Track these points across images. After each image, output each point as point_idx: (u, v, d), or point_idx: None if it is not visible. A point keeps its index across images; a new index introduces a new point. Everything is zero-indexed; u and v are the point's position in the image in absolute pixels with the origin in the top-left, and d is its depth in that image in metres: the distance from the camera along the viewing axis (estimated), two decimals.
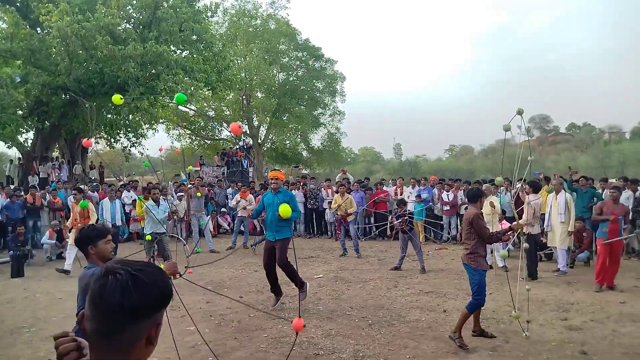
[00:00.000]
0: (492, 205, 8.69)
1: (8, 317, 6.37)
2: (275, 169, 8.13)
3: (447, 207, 12.37)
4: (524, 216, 8.20)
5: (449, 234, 12.55)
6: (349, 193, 13.25)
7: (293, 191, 13.80)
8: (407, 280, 8.32)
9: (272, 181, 6.63)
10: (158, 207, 8.25)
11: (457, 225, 12.44)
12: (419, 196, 12.46)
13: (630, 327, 5.67)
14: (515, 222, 5.84)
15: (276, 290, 6.82)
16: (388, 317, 6.21)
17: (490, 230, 5.43)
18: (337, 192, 11.95)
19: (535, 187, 8.60)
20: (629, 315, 6.14)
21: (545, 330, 5.71)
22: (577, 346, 5.08)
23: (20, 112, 16.78)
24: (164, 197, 10.95)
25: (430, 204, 12.68)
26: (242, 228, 12.18)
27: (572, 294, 7.34)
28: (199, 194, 11.03)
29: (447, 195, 12.36)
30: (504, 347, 5.18)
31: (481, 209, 5.52)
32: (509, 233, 5.79)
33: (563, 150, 49.43)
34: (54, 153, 20.69)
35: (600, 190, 10.57)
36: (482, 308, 6.48)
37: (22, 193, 12.35)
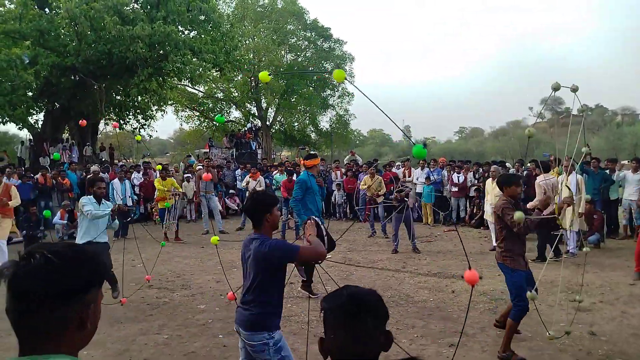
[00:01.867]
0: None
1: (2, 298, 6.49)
2: (312, 153, 8.07)
3: (455, 189, 12.30)
4: (536, 197, 8.12)
5: (458, 215, 12.50)
6: (357, 175, 13.27)
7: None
8: (416, 261, 8.34)
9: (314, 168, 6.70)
10: (99, 205, 5.75)
11: (465, 207, 12.40)
12: (428, 178, 12.41)
13: None
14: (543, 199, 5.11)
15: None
16: (396, 297, 6.24)
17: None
18: (347, 173, 11.96)
19: (545, 168, 8.51)
20: (638, 296, 6.13)
21: (554, 311, 5.70)
22: (586, 327, 5.09)
23: (30, 94, 16.86)
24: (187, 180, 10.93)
25: (440, 186, 12.62)
26: None
27: (581, 276, 7.30)
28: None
29: (458, 177, 12.28)
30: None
31: (516, 197, 4.53)
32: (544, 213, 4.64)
33: (574, 132, 48.78)
34: (64, 134, 20.82)
35: (608, 172, 10.44)
36: (491, 289, 6.53)
37: (33, 174, 12.47)
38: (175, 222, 10.36)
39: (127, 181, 11.04)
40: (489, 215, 9.18)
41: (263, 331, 2.78)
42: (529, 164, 11.55)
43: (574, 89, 4.20)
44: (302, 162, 7.20)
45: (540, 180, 8.17)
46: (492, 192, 8.92)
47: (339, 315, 1.30)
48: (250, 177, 12.21)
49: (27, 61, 15.24)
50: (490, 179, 9.10)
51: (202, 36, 18.55)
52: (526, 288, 4.27)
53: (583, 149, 4.57)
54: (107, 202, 5.99)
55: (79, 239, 5.67)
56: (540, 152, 31.28)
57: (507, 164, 12.43)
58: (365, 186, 11.23)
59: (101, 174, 12.52)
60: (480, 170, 12.18)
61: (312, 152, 22.91)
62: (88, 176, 9.67)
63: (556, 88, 4.04)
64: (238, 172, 14.88)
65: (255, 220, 2.91)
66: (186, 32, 19.18)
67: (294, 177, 10.93)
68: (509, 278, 4.42)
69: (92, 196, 5.74)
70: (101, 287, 1.15)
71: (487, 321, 5.36)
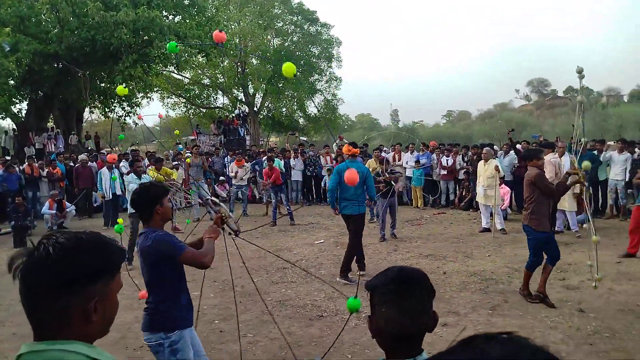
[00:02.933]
0: (496, 169, 8.72)
1: (13, 287, 6.42)
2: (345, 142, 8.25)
3: (444, 172, 12.38)
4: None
5: (447, 198, 12.62)
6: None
7: (292, 159, 13.82)
8: (407, 244, 8.43)
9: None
10: (140, 181, 7.39)
11: (455, 190, 12.51)
12: (417, 161, 12.48)
13: (626, 286, 5.81)
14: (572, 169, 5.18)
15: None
16: None
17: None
18: (337, 158, 11.96)
19: (550, 146, 8.69)
20: (624, 274, 6.28)
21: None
22: (575, 304, 5.21)
23: (12, 82, 16.49)
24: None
25: (429, 169, 12.69)
26: (239, 196, 12.22)
27: (569, 254, 7.45)
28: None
29: (447, 160, 12.36)
30: (503, 306, 5.31)
31: (542, 168, 5.34)
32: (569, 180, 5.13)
33: (561, 113, 49.24)
34: (48, 123, 20.45)
35: (596, 152, 10.58)
36: (482, 270, 6.64)
37: (18, 164, 12.30)
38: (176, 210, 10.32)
39: (115, 170, 10.92)
40: (480, 197, 9.27)
41: (159, 331, 2.70)
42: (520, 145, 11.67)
43: (579, 71, 4.47)
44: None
45: (551, 157, 8.24)
46: (484, 174, 9.01)
47: (388, 291, 1.32)
48: (235, 164, 12.16)
49: (8, 49, 14.87)
50: (483, 161, 9.17)
51: (187, 21, 18.24)
52: (543, 248, 5.20)
53: (582, 140, 4.87)
54: (146, 175, 7.69)
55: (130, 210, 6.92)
56: (527, 134, 31.57)
57: (494, 146, 12.52)
58: (370, 169, 11.28)
59: (89, 163, 12.41)
60: (469, 153, 12.27)
61: (291, 133, 22.70)
62: (131, 158, 10.19)
63: (580, 72, 4.36)
64: (227, 159, 14.80)
65: (145, 214, 2.78)
66: (170, 17, 18.85)
67: (275, 164, 10.93)
68: (531, 237, 5.23)
69: (133, 174, 7.57)
70: (114, 278, 1.13)
71: (479, 301, 5.46)
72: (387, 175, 8.52)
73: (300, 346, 4.37)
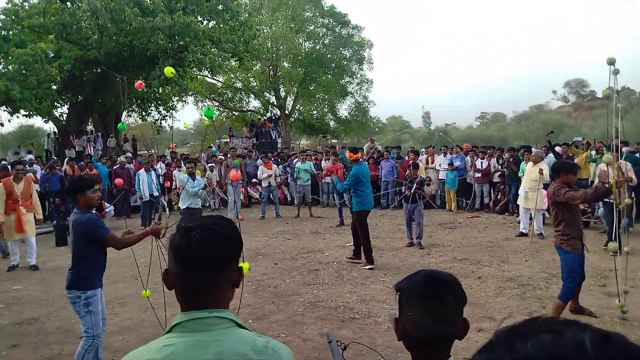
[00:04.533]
0: (540, 172, 8.45)
1: (57, 283, 6.68)
2: (347, 148, 8.69)
3: (478, 175, 12.15)
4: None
5: (481, 202, 12.37)
6: (378, 162, 13.23)
7: (323, 161, 13.86)
8: (440, 248, 8.31)
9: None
10: (193, 181, 8.17)
11: (489, 193, 12.26)
12: (451, 164, 12.29)
13: None
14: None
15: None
16: None
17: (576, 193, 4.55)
18: (368, 160, 11.92)
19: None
20: None
21: (583, 296, 5.63)
22: (617, 312, 5.02)
23: (54, 87, 17.18)
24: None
25: (463, 172, 12.49)
26: (271, 197, 12.33)
27: (610, 260, 7.18)
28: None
29: (481, 162, 12.13)
30: (540, 312, 5.16)
31: (570, 184, 4.64)
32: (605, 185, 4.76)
33: (600, 115, 47.57)
34: (88, 126, 21.20)
35: (638, 155, 10.18)
36: (519, 275, 6.48)
37: (60, 166, 12.77)
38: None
39: (152, 171, 11.21)
40: (521, 200, 9.02)
41: (77, 290, 3.54)
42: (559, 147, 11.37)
43: (611, 62, 4.12)
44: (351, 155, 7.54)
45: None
46: (529, 175, 8.72)
47: (417, 293, 1.30)
48: (264, 166, 12.35)
49: (52, 55, 15.49)
50: (531, 163, 8.89)
51: (221, 26, 18.59)
52: (578, 271, 4.64)
53: (624, 149, 4.55)
54: (199, 178, 8.28)
55: (182, 204, 8.11)
56: (565, 136, 30.61)
57: (533, 149, 12.22)
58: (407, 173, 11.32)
59: (127, 165, 12.79)
60: (504, 155, 12.01)
61: (322, 135, 22.85)
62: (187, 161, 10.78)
63: (612, 62, 4.00)
64: (259, 162, 14.97)
65: (72, 200, 3.72)
66: (205, 22, 19.24)
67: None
68: (563, 259, 4.68)
69: (187, 174, 8.17)
70: None
71: (515, 306, 5.34)
72: (408, 190, 8.19)
73: None
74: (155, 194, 11.01)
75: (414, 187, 8.11)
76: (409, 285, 1.35)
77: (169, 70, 3.33)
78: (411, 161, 10.98)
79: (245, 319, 5.14)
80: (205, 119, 26.20)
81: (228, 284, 1.22)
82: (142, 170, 11.02)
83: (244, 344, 1.15)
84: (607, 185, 4.67)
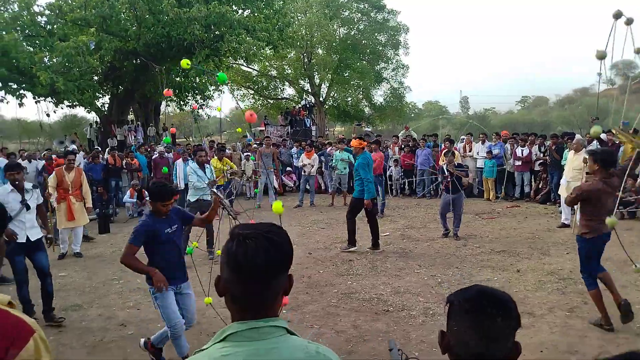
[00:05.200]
0: (585, 161, 8.07)
1: (99, 270, 6.95)
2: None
3: (518, 163, 11.77)
4: None
5: (522, 190, 11.99)
6: (414, 150, 13.02)
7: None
8: (478, 239, 8.13)
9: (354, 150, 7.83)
10: (204, 172, 7.32)
11: (530, 181, 11.88)
12: (490, 152, 11.94)
13: None
14: None
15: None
16: (458, 275, 6.14)
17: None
18: (403, 148, 11.76)
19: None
20: None
21: (628, 291, 5.40)
22: None
23: (96, 78, 17.71)
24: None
25: (503, 160, 12.12)
26: (307, 187, 12.38)
27: None
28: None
29: (522, 150, 11.74)
30: (582, 308, 4.98)
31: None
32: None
33: None
34: (129, 116, 21.80)
35: None
36: (559, 269, 6.26)
37: (102, 155, 13.19)
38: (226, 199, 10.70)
39: (189, 161, 11.39)
40: (562, 190, 8.69)
41: (149, 285, 3.78)
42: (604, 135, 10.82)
43: (601, 56, 3.63)
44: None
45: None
46: (571, 164, 8.38)
47: (465, 309, 1.25)
48: (305, 156, 12.38)
49: (93, 47, 15.94)
50: (572, 151, 8.53)
51: (256, 14, 18.59)
52: (582, 259, 4.63)
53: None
54: (209, 166, 7.53)
55: (191, 197, 7.36)
56: (611, 121, 29.20)
57: (577, 135, 11.72)
58: (443, 163, 11.07)
59: (165, 154, 13.08)
60: (546, 143, 11.58)
61: (357, 123, 22.72)
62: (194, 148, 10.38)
63: (601, 57, 3.51)
64: (294, 150, 15.02)
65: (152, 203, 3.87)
66: (240, 11, 19.30)
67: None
68: (580, 247, 4.69)
69: (196, 163, 7.34)
70: None
71: (556, 301, 5.17)
72: (454, 170, 7.94)
73: (365, 341, 4.36)
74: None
75: (447, 175, 7.86)
76: (458, 298, 1.29)
77: (184, 62, 3.35)
78: (446, 149, 10.74)
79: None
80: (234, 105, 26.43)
81: (280, 291, 1.24)
82: (179, 160, 11.23)
83: (299, 350, 1.19)
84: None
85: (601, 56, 3.51)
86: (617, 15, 3.43)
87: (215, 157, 10.89)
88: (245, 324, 1.18)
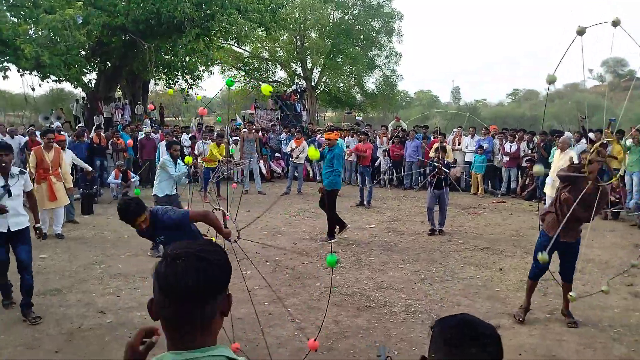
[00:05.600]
0: (571, 161, 8.09)
1: (81, 253, 6.86)
2: (331, 127, 9.35)
3: (506, 159, 11.82)
4: None
5: (508, 186, 12.07)
6: (403, 142, 12.99)
7: (346, 138, 13.71)
8: (462, 234, 8.17)
9: (326, 141, 7.90)
10: (175, 165, 7.02)
11: (517, 177, 11.95)
12: (481, 147, 11.92)
13: None
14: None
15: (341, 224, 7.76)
16: (441, 272, 6.16)
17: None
18: (393, 139, 11.74)
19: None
20: None
21: (608, 295, 5.46)
22: None
23: (83, 53, 17.27)
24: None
25: (490, 155, 12.16)
26: (295, 174, 12.32)
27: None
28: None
29: (510, 146, 11.77)
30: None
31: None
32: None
33: (637, 97, 45.48)
34: (116, 93, 21.39)
35: None
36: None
37: (88, 133, 12.93)
38: (215, 182, 10.67)
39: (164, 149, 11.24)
40: (548, 188, 8.72)
41: None
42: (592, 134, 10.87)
43: (616, 22, 3.49)
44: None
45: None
46: (557, 163, 8.40)
47: (444, 338, 1.21)
48: (294, 143, 12.30)
49: (80, 21, 15.51)
50: (559, 150, 8.55)
51: None
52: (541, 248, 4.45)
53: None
54: (181, 162, 7.01)
55: (158, 192, 6.93)
56: (600, 119, 29.46)
57: (566, 132, 11.79)
58: (433, 154, 11.12)
59: (152, 134, 12.88)
60: (535, 139, 11.64)
61: (348, 112, 22.64)
62: (167, 140, 9.80)
63: (581, 32, 3.36)
64: (283, 136, 14.90)
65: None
66: None
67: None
68: (538, 238, 4.78)
69: (170, 157, 6.98)
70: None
71: (536, 303, 5.20)
72: (441, 168, 7.78)
73: (346, 337, 4.35)
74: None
75: (436, 171, 7.79)
76: (441, 325, 1.25)
77: (266, 89, 3.12)
78: (438, 143, 10.70)
79: (261, 302, 5.17)
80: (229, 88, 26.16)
81: (217, 313, 1.18)
82: (163, 142, 11.08)
83: None
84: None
85: (551, 80, 3.40)
86: (581, 32, 3.34)
87: (214, 143, 10.85)
88: (180, 355, 1.11)
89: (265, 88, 3.24)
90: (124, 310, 4.88)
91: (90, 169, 9.76)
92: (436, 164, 7.82)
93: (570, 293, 4.35)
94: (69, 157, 8.36)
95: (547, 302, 5.22)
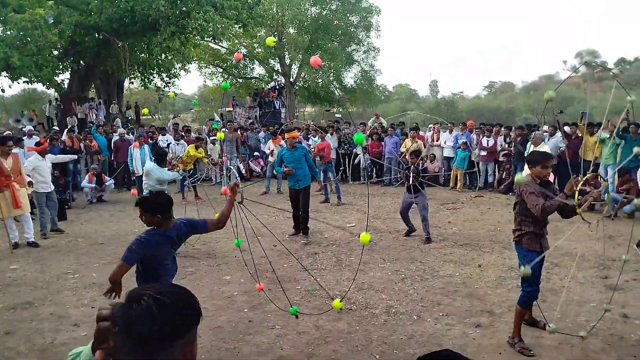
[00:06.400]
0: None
1: (54, 262, 6.68)
2: (294, 129, 9.07)
3: (484, 153, 11.94)
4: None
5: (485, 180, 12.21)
6: (382, 139, 13.01)
7: (327, 135, 13.65)
8: (442, 231, 8.21)
9: (290, 141, 7.73)
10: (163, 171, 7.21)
11: (494, 171, 12.09)
12: (464, 143, 11.98)
13: None
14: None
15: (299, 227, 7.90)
16: (421, 271, 6.17)
17: (545, 201, 3.92)
18: (372, 136, 11.75)
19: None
20: None
21: (584, 289, 5.56)
22: (618, 308, 4.93)
23: (55, 53, 16.83)
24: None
25: (469, 150, 12.26)
26: (274, 173, 12.22)
27: (613, 249, 7.09)
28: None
29: (487, 141, 11.89)
30: (541, 306, 5.07)
31: (542, 178, 4.09)
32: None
33: (610, 87, 46.46)
34: (90, 93, 20.93)
35: None
36: (519, 263, 6.37)
37: (60, 136, 12.61)
38: (194, 184, 10.52)
39: (145, 145, 11.01)
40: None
41: None
42: (568, 127, 11.04)
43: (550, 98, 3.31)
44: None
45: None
46: None
47: None
48: (272, 142, 12.21)
49: (52, 21, 15.08)
50: (532, 145, 8.69)
51: None
52: (537, 274, 4.15)
53: (628, 98, 3.81)
54: (167, 169, 7.35)
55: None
56: (574, 109, 30.03)
57: (543, 127, 11.96)
58: (405, 149, 11.18)
59: (126, 136, 12.63)
60: (511, 134, 11.77)
61: (327, 109, 22.63)
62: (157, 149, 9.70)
63: (550, 98, 3.23)
64: (261, 134, 14.77)
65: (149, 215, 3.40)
66: None
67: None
68: (521, 259, 4.23)
69: (156, 163, 7.13)
70: (198, 324, 1.19)
71: (515, 299, 5.21)
72: (416, 173, 7.36)
73: (327, 342, 4.32)
74: None
75: (411, 177, 7.32)
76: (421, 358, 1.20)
77: (270, 41, 2.86)
78: (410, 140, 10.77)
79: (241, 308, 5.10)
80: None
81: (178, 359, 1.12)
82: (134, 145, 10.87)
83: None
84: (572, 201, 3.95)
85: (550, 97, 3.30)
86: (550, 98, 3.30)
87: (192, 145, 10.67)
88: None
89: (270, 40, 3.05)
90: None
91: (75, 156, 10.08)
92: (409, 172, 7.39)
93: (548, 325, 3.97)
94: (48, 162, 8.18)
95: None
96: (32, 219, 7.70)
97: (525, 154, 9.70)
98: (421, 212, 7.48)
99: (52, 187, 8.19)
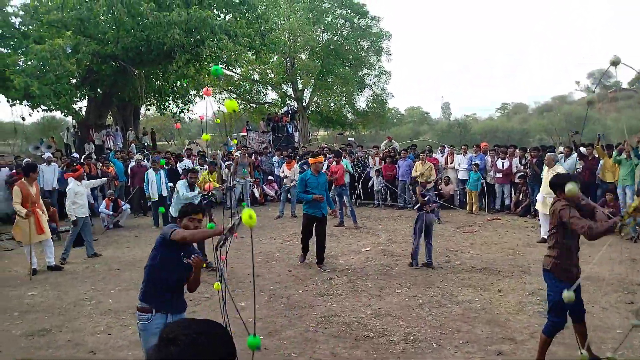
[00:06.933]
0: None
1: (71, 288, 6.69)
2: (317, 152, 9.11)
3: (499, 175, 11.83)
4: None
5: (502, 203, 12.05)
6: (395, 161, 12.99)
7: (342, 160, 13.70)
8: (459, 254, 8.09)
9: (316, 166, 7.46)
10: (189, 190, 7.68)
11: (510, 193, 11.94)
12: (476, 165, 11.91)
13: None
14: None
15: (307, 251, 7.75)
16: (439, 296, 6.06)
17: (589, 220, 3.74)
18: (385, 159, 11.71)
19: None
20: None
21: (608, 314, 5.40)
22: None
23: (73, 81, 17.27)
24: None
25: (483, 172, 12.16)
26: (289, 197, 12.23)
27: (638, 272, 6.90)
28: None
29: (502, 163, 11.78)
30: (564, 332, 4.92)
31: (575, 200, 3.94)
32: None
33: (625, 107, 46.08)
34: (107, 120, 21.34)
35: None
36: (540, 288, 6.22)
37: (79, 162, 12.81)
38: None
39: (161, 172, 11.18)
40: (539, 205, 8.71)
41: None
42: (584, 148, 10.92)
43: (615, 62, 3.38)
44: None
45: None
46: (546, 180, 8.44)
47: None
48: (286, 167, 12.27)
49: (70, 50, 15.53)
50: (546, 167, 8.58)
51: (238, 19, 18.41)
52: (566, 308, 3.94)
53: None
54: (198, 187, 7.88)
55: (173, 212, 7.54)
56: (588, 130, 29.74)
57: (559, 148, 11.85)
58: (417, 173, 11.14)
59: (143, 162, 12.79)
60: (527, 156, 11.67)
61: (339, 133, 22.72)
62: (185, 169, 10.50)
63: (616, 62, 3.24)
64: (275, 159, 14.86)
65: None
66: (222, 15, 19.07)
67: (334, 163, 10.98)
68: (550, 287, 4.05)
69: (186, 182, 7.68)
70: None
71: (537, 325, 5.10)
72: (420, 198, 7.32)
73: None
74: (165, 194, 10.98)
75: (419, 204, 7.29)
76: None
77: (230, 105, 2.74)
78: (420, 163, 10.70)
79: (256, 334, 5.02)
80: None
81: None
82: (150, 170, 11.01)
83: None
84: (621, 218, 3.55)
85: (616, 61, 3.14)
86: (615, 63, 3.20)
87: (207, 170, 10.74)
88: None
89: (230, 104, 2.89)
90: (115, 349, 4.73)
91: (105, 180, 10.66)
92: (420, 199, 7.27)
93: (581, 352, 3.80)
94: (84, 187, 8.49)
95: None
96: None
97: (541, 176, 9.58)
98: (428, 239, 7.37)
99: (90, 212, 8.51)
